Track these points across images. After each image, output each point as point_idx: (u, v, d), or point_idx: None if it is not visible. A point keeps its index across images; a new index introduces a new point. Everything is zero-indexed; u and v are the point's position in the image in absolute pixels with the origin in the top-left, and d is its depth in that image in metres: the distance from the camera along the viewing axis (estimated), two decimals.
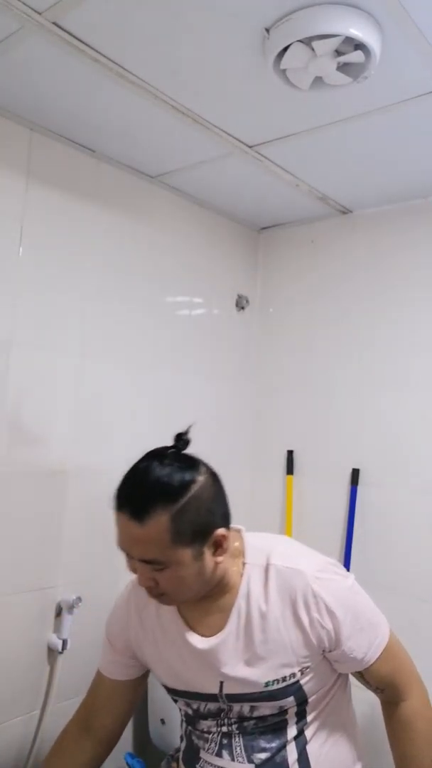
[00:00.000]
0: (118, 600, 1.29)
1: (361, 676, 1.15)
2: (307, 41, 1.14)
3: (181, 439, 1.08)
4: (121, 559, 1.85)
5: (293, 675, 1.09)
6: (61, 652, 1.62)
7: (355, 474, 1.98)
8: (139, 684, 1.29)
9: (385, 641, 1.13)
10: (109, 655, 1.27)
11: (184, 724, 1.26)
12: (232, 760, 1.12)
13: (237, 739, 1.13)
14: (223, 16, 1.13)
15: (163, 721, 1.74)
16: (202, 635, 1.11)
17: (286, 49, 1.17)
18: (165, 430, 1.95)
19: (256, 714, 1.12)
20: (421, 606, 1.79)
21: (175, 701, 1.24)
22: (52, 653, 1.64)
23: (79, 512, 1.70)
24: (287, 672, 1.09)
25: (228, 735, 1.14)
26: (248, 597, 1.10)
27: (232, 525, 1.11)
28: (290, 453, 2.16)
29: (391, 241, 2.01)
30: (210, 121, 1.53)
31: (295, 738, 1.12)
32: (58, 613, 1.65)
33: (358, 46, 1.15)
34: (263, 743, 1.12)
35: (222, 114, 1.50)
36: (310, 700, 1.13)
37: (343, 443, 2.05)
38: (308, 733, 1.13)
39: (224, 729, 1.15)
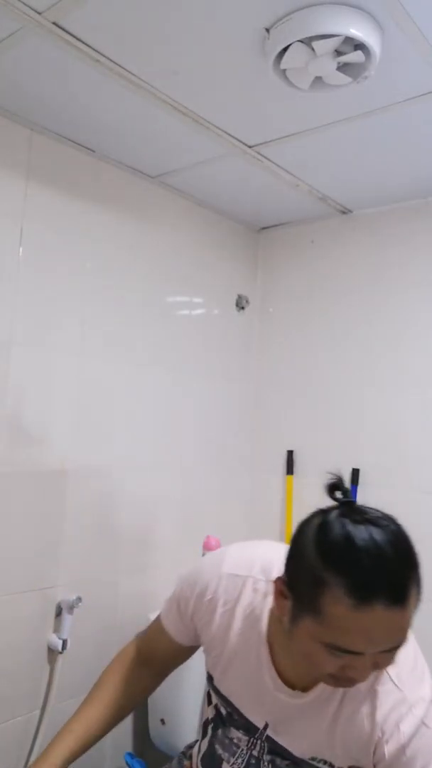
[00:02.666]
0: (204, 581, 1.07)
1: None
2: (307, 41, 1.14)
3: (347, 493, 0.90)
4: (121, 559, 1.86)
5: (332, 765, 0.98)
6: (61, 652, 1.62)
7: (355, 474, 1.98)
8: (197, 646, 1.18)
9: None
10: (176, 618, 1.13)
11: (212, 724, 1.12)
12: None
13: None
14: (223, 16, 1.13)
15: (163, 721, 1.74)
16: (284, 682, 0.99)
17: (286, 49, 1.17)
18: (165, 429, 1.96)
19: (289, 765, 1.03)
20: (421, 606, 1.78)
21: (209, 696, 1.13)
22: (52, 653, 1.64)
23: (79, 512, 1.70)
24: (333, 760, 0.97)
25: (257, 760, 1.03)
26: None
27: None
28: (290, 453, 2.16)
29: (391, 241, 2.01)
30: (210, 121, 1.53)
31: None
32: (58, 613, 1.65)
33: (358, 46, 1.15)
34: None
35: (222, 114, 1.50)
36: None
37: (343, 443, 2.05)
38: None
39: (254, 752, 1.04)
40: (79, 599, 1.63)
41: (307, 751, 0.98)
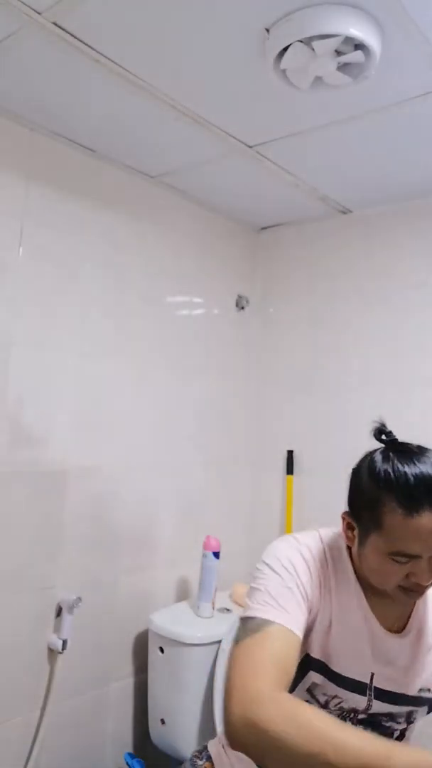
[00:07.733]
0: (298, 554, 1.10)
1: None
2: (307, 41, 1.14)
3: (389, 434, 1.12)
4: (120, 559, 1.86)
5: None
6: (61, 652, 1.62)
7: None
8: None
9: None
10: (300, 609, 1.04)
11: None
12: None
13: None
14: (223, 16, 1.13)
15: (163, 721, 1.74)
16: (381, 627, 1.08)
17: (286, 49, 1.17)
18: (165, 430, 1.96)
19: (390, 719, 1.08)
20: None
21: (301, 676, 1.09)
22: (52, 653, 1.64)
23: (79, 512, 1.71)
24: None
25: (371, 717, 1.08)
26: (426, 606, 1.11)
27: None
28: (290, 453, 2.16)
29: (390, 241, 2.01)
30: (210, 121, 1.53)
31: None
32: (58, 613, 1.65)
33: (358, 46, 1.15)
34: None
35: (222, 114, 1.50)
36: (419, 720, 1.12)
37: (343, 443, 2.04)
38: None
39: (344, 718, 1.07)
40: (79, 599, 1.63)
41: (417, 685, 1.07)
